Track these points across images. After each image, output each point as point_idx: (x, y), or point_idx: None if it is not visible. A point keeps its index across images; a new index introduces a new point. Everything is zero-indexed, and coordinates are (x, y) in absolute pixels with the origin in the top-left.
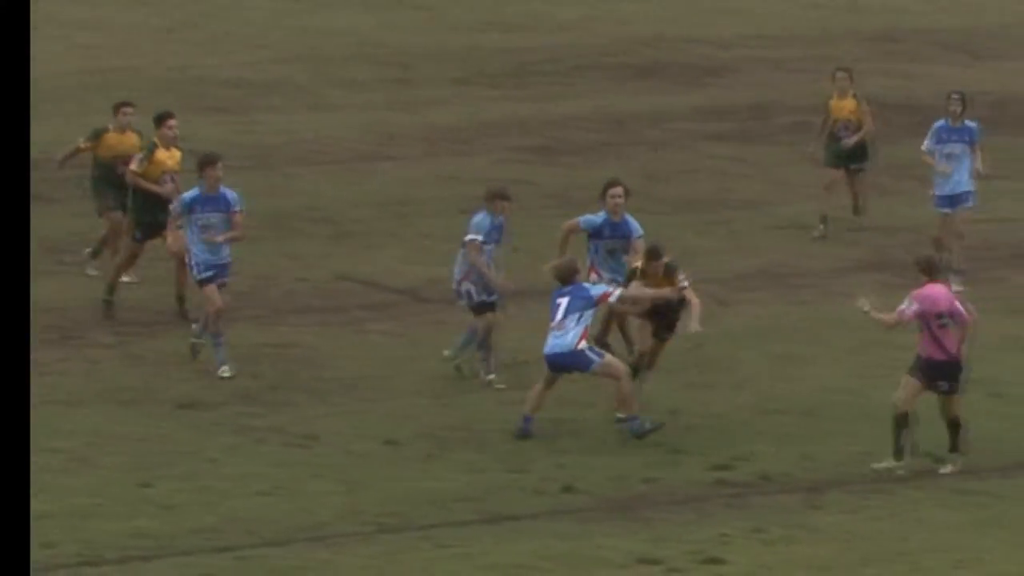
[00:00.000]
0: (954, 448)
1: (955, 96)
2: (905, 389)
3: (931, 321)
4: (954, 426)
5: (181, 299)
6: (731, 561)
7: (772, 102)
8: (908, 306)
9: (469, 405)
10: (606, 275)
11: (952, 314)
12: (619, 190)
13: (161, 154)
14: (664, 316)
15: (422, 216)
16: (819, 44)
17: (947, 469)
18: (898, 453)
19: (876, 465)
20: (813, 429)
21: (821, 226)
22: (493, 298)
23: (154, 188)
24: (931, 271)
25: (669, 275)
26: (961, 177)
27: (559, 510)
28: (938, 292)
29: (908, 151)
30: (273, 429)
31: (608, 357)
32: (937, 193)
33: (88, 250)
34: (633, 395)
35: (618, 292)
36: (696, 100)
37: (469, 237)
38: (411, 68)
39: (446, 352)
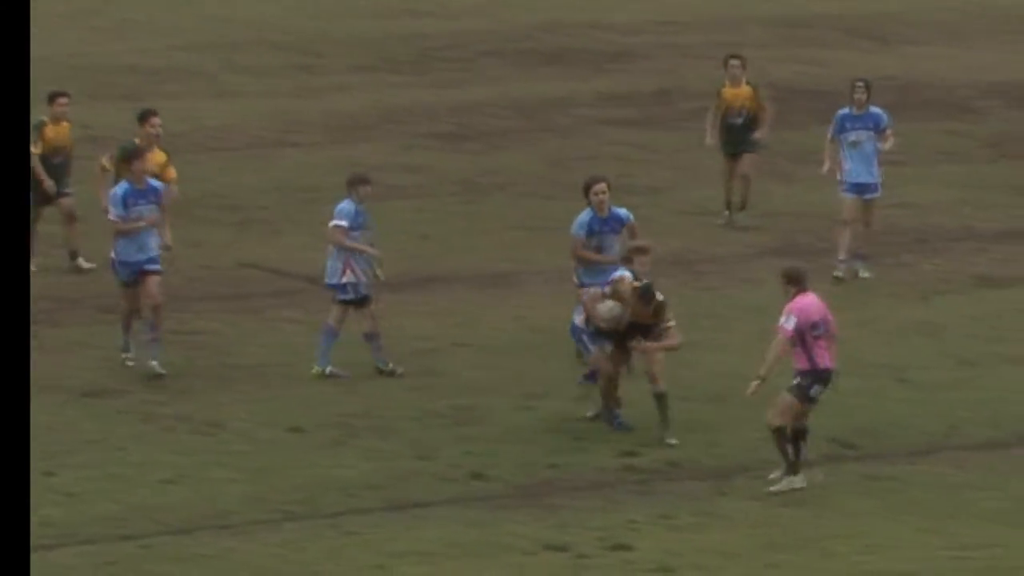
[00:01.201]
0: (799, 455)
1: (860, 84)
2: (779, 406)
3: (807, 332)
4: (803, 435)
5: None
6: (639, 547)
7: (676, 88)
8: (786, 321)
9: (375, 392)
10: (588, 280)
11: (825, 323)
12: (602, 186)
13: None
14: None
15: (326, 203)
16: (724, 30)
17: (776, 475)
18: (791, 466)
19: (774, 488)
20: (720, 415)
21: (726, 212)
22: (369, 291)
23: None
24: (799, 281)
25: (657, 313)
26: (869, 167)
27: (466, 497)
28: (809, 302)
29: (814, 137)
30: (178, 417)
31: (596, 352)
32: (846, 180)
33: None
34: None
35: (592, 291)
36: (600, 86)
37: (333, 223)
38: (315, 55)
39: (316, 369)
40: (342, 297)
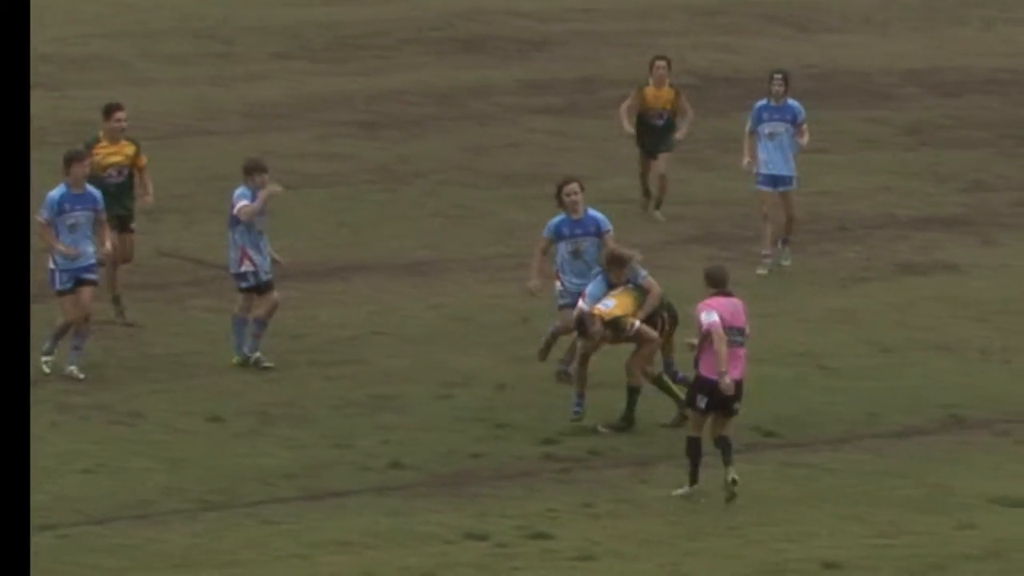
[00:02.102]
0: (731, 459)
1: (778, 76)
2: (695, 422)
3: (705, 335)
4: (724, 444)
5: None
6: (559, 536)
7: (597, 76)
8: (709, 317)
9: (293, 381)
10: (570, 281)
11: (730, 331)
12: (574, 187)
13: (102, 151)
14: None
15: None
16: (645, 18)
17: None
18: (693, 478)
19: (676, 491)
20: (641, 403)
21: (644, 198)
22: (270, 276)
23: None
24: (717, 283)
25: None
26: (785, 158)
27: (385, 486)
28: (719, 303)
29: (734, 125)
30: (97, 407)
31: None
32: (761, 172)
33: None
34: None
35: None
36: (520, 74)
37: (239, 209)
38: (233, 42)
39: (235, 359)
40: (243, 285)
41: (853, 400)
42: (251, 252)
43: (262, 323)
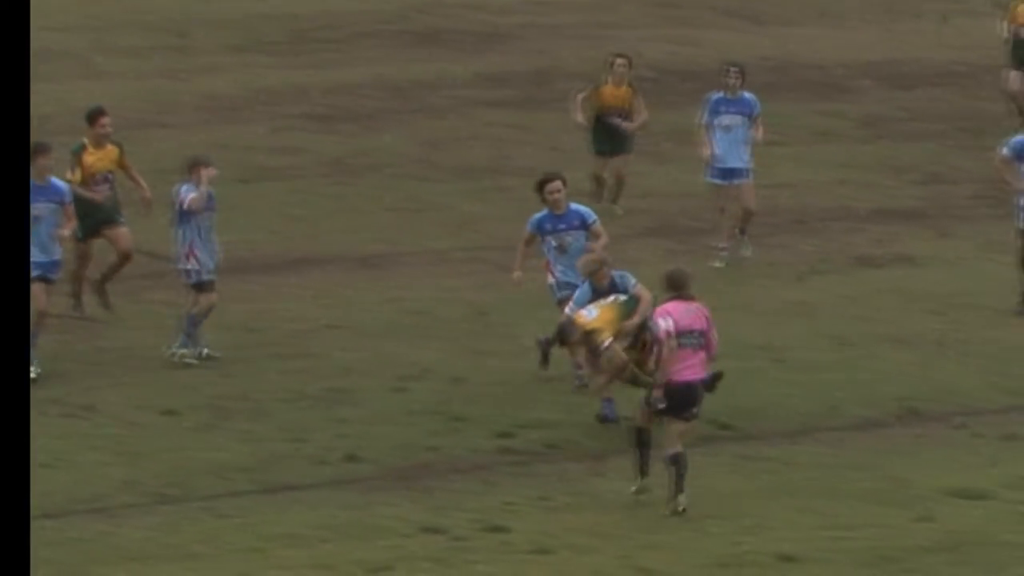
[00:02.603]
0: (681, 486)
1: (733, 69)
2: (641, 411)
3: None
4: (678, 462)
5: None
6: (515, 529)
7: (552, 69)
8: (666, 324)
9: (248, 374)
10: (563, 273)
11: (691, 334)
12: (557, 184)
13: (90, 156)
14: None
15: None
16: (598, 10)
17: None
18: (642, 470)
19: (632, 490)
20: (596, 397)
21: (598, 188)
22: (212, 276)
23: (89, 195)
24: (676, 286)
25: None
26: (738, 152)
27: (341, 480)
28: (675, 307)
29: (690, 118)
30: (50, 400)
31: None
32: (714, 165)
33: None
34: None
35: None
36: (475, 67)
37: (189, 200)
38: (187, 35)
39: (170, 349)
40: (185, 280)
41: (810, 393)
42: (197, 250)
43: (193, 320)
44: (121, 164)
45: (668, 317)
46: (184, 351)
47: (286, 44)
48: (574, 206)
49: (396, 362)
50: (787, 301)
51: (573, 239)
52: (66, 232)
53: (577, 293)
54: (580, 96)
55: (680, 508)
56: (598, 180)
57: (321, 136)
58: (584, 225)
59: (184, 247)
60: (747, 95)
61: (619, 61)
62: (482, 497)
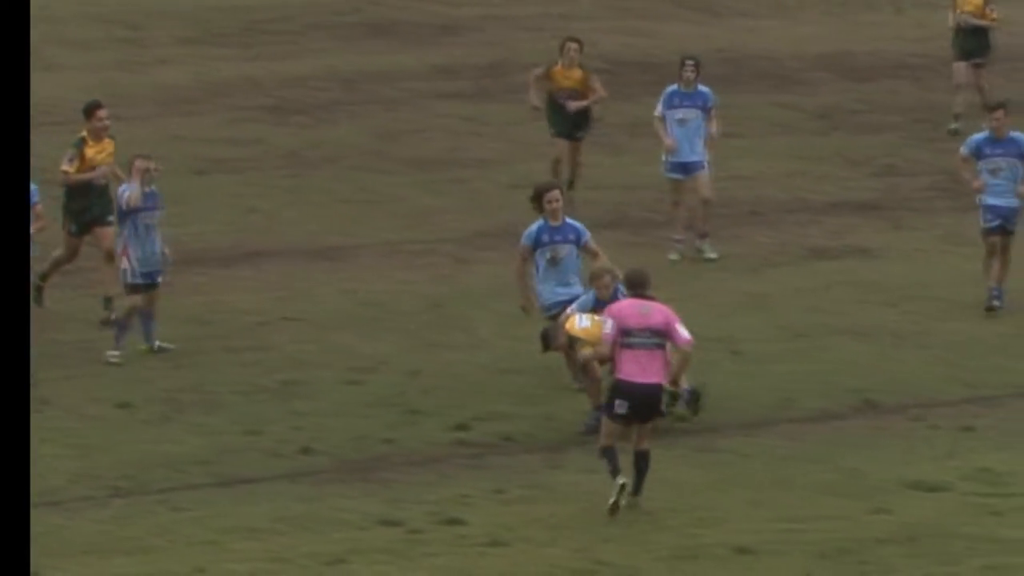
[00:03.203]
0: (638, 490)
1: (689, 63)
2: (607, 430)
3: (617, 339)
4: (643, 460)
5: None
6: (471, 522)
7: (507, 61)
8: (607, 328)
9: (203, 367)
10: (551, 291)
11: (646, 332)
12: (556, 194)
13: (90, 149)
14: None
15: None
16: (553, 2)
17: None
18: (615, 472)
19: (610, 500)
20: (552, 388)
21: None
22: (150, 280)
23: (84, 176)
24: (634, 286)
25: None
26: (694, 145)
27: (296, 472)
28: (627, 306)
29: (645, 109)
30: None
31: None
32: (669, 160)
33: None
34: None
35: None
36: (430, 59)
37: (126, 198)
38: (139, 27)
39: (142, 346)
40: (121, 280)
41: (766, 385)
42: (131, 249)
43: (123, 325)
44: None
45: (609, 319)
46: (113, 352)
47: (239, 36)
48: (569, 220)
49: (351, 354)
50: (743, 293)
51: (566, 252)
52: (41, 224)
53: (581, 299)
54: (536, 72)
55: (622, 502)
56: (557, 165)
57: (275, 128)
58: (578, 240)
59: (120, 246)
60: (703, 89)
61: (570, 44)
62: (438, 489)
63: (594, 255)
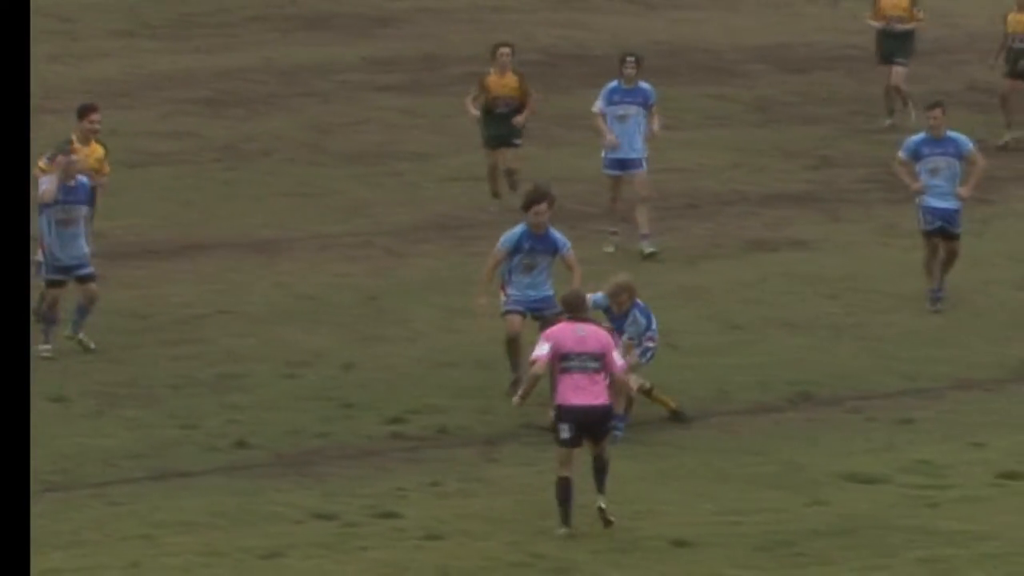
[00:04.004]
0: (601, 488)
1: (630, 59)
2: (558, 457)
3: (555, 363)
4: (600, 462)
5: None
6: (407, 515)
7: (442, 53)
8: (540, 350)
9: (138, 361)
10: (520, 291)
11: (584, 355)
12: (544, 207)
13: (79, 151)
14: None
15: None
16: None
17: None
18: (565, 520)
19: (558, 532)
20: (488, 382)
21: (496, 201)
22: (66, 276)
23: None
24: (570, 308)
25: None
26: (633, 142)
27: (231, 466)
28: (563, 329)
29: (581, 102)
30: None
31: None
32: (608, 156)
33: None
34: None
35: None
36: (365, 51)
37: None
38: (72, 20)
39: (66, 332)
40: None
41: (703, 377)
42: (46, 243)
43: (48, 317)
44: (100, 168)
45: (545, 343)
46: (44, 346)
47: (173, 29)
48: (552, 231)
49: (287, 348)
50: (680, 285)
51: (543, 261)
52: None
53: (599, 296)
54: (469, 98)
55: (599, 505)
56: (493, 175)
57: (210, 121)
58: (555, 251)
59: (40, 238)
60: (644, 85)
61: (502, 50)
62: (373, 483)
63: (571, 267)
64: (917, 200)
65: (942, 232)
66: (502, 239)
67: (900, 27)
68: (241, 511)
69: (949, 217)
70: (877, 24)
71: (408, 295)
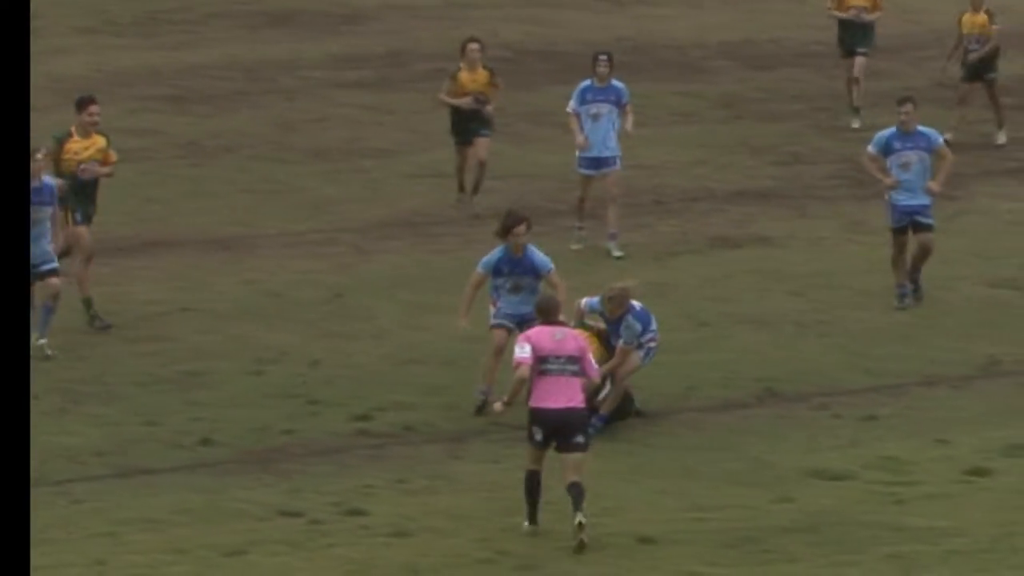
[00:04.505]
0: (579, 507)
1: (603, 58)
2: (528, 455)
3: (535, 365)
4: (576, 490)
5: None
6: (374, 512)
7: (407, 50)
8: (522, 351)
9: (102, 358)
10: (509, 307)
11: (560, 358)
12: (523, 228)
13: (75, 144)
14: None
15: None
16: None
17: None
18: (531, 518)
19: (524, 527)
20: (454, 379)
21: (460, 193)
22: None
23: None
24: (543, 313)
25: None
26: (607, 140)
27: (196, 463)
28: (540, 332)
29: (547, 98)
30: None
31: None
32: (582, 155)
33: None
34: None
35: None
36: (331, 48)
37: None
38: (37, 16)
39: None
40: None
41: (670, 374)
42: None
43: (49, 308)
44: (106, 158)
45: (526, 344)
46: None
47: (138, 26)
48: (531, 251)
49: (252, 345)
50: (646, 282)
51: (527, 282)
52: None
53: (595, 300)
54: (441, 95)
55: (577, 521)
56: (461, 171)
57: (175, 118)
58: (536, 273)
59: None
60: (617, 83)
61: (472, 45)
62: (339, 480)
63: (555, 287)
64: (887, 197)
65: (913, 225)
66: (481, 262)
67: (867, 17)
68: (206, 508)
69: (919, 211)
70: (842, 15)
71: (374, 292)
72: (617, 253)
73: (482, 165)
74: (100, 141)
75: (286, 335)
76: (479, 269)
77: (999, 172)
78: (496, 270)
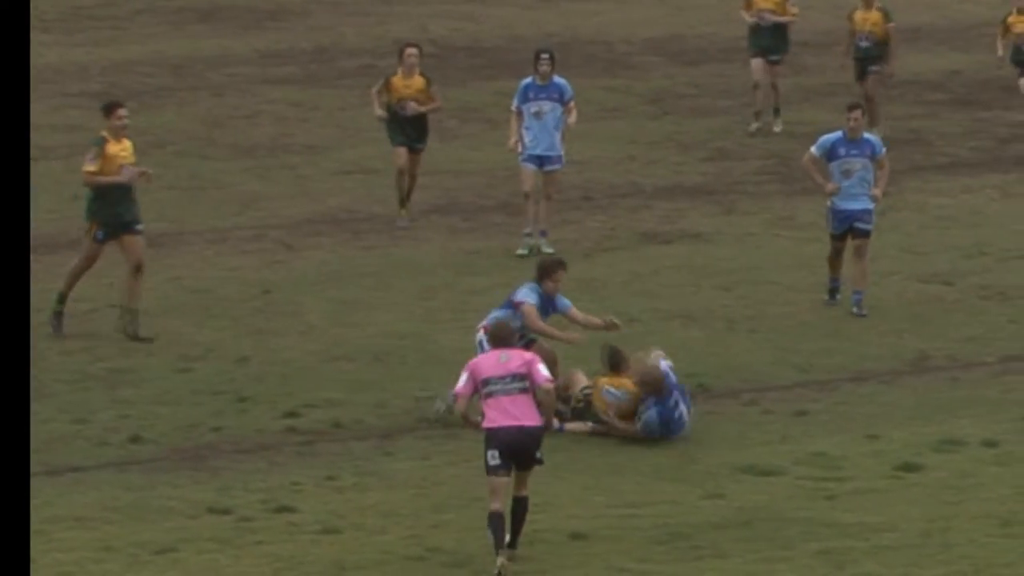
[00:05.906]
0: (513, 543)
1: (544, 56)
2: (489, 488)
3: (480, 389)
4: (521, 507)
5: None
6: (303, 509)
7: (334, 46)
8: (459, 383)
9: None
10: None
11: (506, 378)
12: (561, 273)
13: (113, 147)
14: None
15: None
16: None
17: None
18: (497, 547)
19: (498, 561)
20: (383, 375)
21: (403, 212)
22: None
23: (113, 179)
24: (496, 341)
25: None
26: (552, 138)
27: (125, 461)
28: (484, 359)
29: (473, 94)
30: None
31: None
32: (528, 151)
33: None
34: None
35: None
36: (257, 44)
37: None
38: None
39: None
40: None
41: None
42: None
43: None
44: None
45: (464, 373)
46: None
47: (64, 22)
48: (559, 297)
49: (179, 342)
50: (574, 278)
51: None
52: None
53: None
54: (374, 90)
55: (499, 562)
56: (400, 177)
57: (100, 114)
58: (556, 311)
59: None
60: (559, 80)
61: (410, 51)
62: (268, 477)
63: (573, 319)
64: (828, 202)
65: (852, 230)
66: (526, 300)
67: (771, 18)
68: (135, 506)
69: (860, 215)
70: (749, 19)
71: (302, 288)
72: (547, 249)
73: (413, 179)
74: (129, 145)
75: (214, 332)
76: (529, 304)
77: (929, 168)
78: (542, 305)
